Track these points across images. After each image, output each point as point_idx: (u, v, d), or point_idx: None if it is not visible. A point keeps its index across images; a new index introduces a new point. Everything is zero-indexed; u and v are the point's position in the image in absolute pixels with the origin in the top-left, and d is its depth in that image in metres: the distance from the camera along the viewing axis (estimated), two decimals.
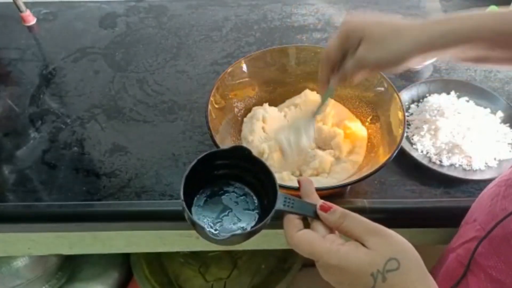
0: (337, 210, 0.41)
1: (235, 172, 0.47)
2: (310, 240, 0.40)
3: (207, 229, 0.40)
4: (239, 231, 0.43)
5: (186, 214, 0.41)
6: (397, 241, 0.38)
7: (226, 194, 0.47)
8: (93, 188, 0.65)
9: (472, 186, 0.64)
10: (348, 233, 0.40)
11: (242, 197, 0.47)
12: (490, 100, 0.73)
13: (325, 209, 0.42)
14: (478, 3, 0.99)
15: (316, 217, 0.42)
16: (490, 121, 0.69)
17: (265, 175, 0.45)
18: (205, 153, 0.44)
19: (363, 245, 0.38)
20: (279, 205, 0.42)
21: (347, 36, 0.51)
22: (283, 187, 0.54)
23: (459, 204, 0.62)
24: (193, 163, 0.43)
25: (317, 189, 0.58)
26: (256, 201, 0.47)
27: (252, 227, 0.43)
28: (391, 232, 0.39)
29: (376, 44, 0.49)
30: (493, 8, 0.94)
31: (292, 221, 0.42)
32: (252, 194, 0.47)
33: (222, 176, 0.47)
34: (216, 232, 0.43)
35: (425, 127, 0.68)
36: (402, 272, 0.36)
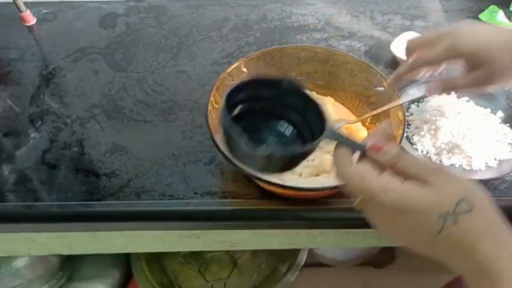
0: (390, 151, 0.36)
1: (279, 108, 0.43)
2: (362, 175, 0.35)
3: (245, 137, 0.35)
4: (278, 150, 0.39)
5: (225, 118, 0.37)
6: (464, 180, 0.34)
7: (267, 128, 0.43)
8: (93, 188, 0.65)
9: None
10: (405, 174, 0.35)
11: (284, 133, 0.43)
12: (490, 100, 0.73)
13: (376, 150, 0.37)
14: (478, 3, 0.99)
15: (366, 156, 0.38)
16: (490, 121, 0.69)
17: (310, 110, 0.41)
18: (252, 78, 0.41)
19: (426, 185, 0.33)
20: (328, 133, 0.38)
21: (464, 56, 0.49)
22: (283, 187, 0.54)
23: None
24: (239, 83, 0.40)
25: (317, 189, 0.58)
26: (298, 140, 0.43)
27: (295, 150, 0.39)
28: (455, 173, 0.35)
29: (498, 75, 0.49)
30: (493, 8, 0.94)
31: (344, 153, 0.38)
32: (294, 131, 0.43)
33: (264, 110, 0.44)
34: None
35: (425, 127, 0.68)
36: (475, 215, 0.31)
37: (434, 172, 0.34)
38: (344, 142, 0.38)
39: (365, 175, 0.35)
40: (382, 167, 0.36)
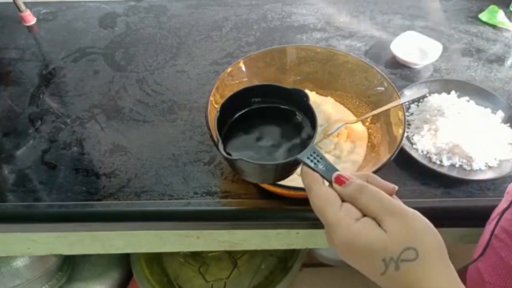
0: (353, 182, 0.37)
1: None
2: (326, 200, 0.37)
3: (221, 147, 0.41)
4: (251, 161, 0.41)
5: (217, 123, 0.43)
6: (418, 226, 0.34)
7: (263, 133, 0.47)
8: (93, 188, 0.65)
9: (472, 186, 0.64)
10: (364, 210, 0.36)
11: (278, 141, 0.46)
12: (490, 100, 0.73)
13: (340, 182, 0.38)
14: (478, 3, 0.99)
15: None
16: (490, 121, 0.69)
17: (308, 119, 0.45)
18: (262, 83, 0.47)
19: (380, 225, 0.35)
20: (302, 156, 0.40)
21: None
22: (283, 187, 0.54)
23: (459, 204, 0.62)
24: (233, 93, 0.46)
25: None
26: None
27: (264, 163, 0.41)
28: (413, 213, 0.35)
29: None
30: (493, 8, 0.94)
31: (312, 174, 0.39)
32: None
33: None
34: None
35: (425, 127, 0.68)
36: (419, 263, 0.32)
37: (391, 214, 0.35)
38: (316, 166, 0.40)
39: (328, 201, 0.37)
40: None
